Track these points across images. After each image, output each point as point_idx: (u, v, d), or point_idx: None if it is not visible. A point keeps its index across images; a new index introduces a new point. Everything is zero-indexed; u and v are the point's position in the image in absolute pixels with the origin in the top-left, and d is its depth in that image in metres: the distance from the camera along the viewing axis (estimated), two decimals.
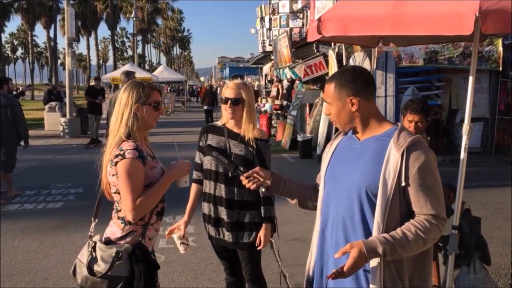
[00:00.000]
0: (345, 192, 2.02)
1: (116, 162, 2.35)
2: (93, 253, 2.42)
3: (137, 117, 2.45)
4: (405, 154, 1.91)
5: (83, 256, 2.46)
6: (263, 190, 2.30)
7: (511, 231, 3.60)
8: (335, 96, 2.06)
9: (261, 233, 3.10)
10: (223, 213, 3.13)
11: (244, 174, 2.26)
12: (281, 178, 2.28)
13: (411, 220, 1.92)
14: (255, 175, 2.25)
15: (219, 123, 3.27)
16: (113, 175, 2.39)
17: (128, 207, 2.33)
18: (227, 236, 3.14)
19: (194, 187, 3.30)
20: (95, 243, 2.44)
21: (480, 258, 3.58)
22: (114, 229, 2.47)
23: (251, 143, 3.10)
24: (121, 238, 2.42)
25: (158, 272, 4.85)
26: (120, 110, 2.46)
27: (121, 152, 2.35)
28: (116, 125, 2.46)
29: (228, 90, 3.13)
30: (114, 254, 2.35)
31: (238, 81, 3.28)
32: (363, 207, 1.97)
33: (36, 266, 5.06)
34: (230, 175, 3.08)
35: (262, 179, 2.25)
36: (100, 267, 2.37)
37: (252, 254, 3.17)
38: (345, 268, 1.83)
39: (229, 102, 3.09)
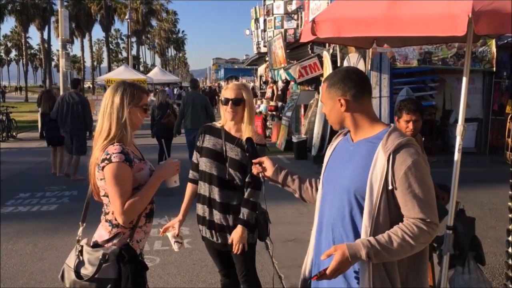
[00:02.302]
0: (337, 194, 2.04)
1: (103, 167, 2.33)
2: (80, 257, 2.40)
3: (130, 119, 2.42)
4: (391, 157, 1.90)
5: (71, 260, 2.44)
6: (261, 178, 2.42)
7: (506, 231, 3.61)
8: (326, 96, 2.10)
9: (233, 235, 3.02)
10: (217, 216, 3.11)
11: (253, 160, 2.39)
12: (282, 170, 2.36)
13: (400, 224, 1.91)
14: (259, 165, 2.36)
15: (218, 124, 3.25)
16: (101, 179, 2.37)
17: (118, 211, 2.32)
18: (221, 239, 3.13)
19: (189, 186, 3.29)
20: (82, 246, 2.42)
21: (475, 258, 3.59)
22: (101, 232, 2.45)
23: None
24: (108, 240, 2.41)
25: (154, 274, 4.86)
26: (112, 111, 2.41)
27: (107, 156, 2.32)
28: (106, 126, 2.41)
29: (228, 91, 3.12)
30: (101, 257, 2.33)
31: (238, 82, 3.28)
32: (353, 210, 1.98)
33: (30, 269, 5.03)
34: (226, 179, 3.09)
35: (266, 169, 2.36)
36: (87, 270, 2.35)
37: (246, 256, 3.16)
38: (327, 271, 1.86)
39: (230, 102, 3.07)
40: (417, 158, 1.91)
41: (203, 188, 3.16)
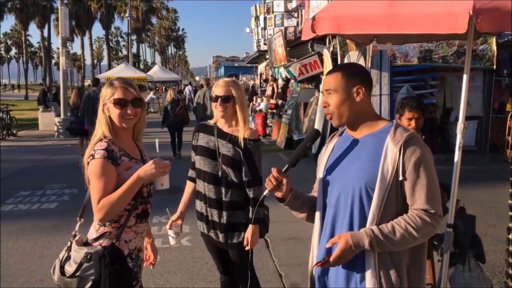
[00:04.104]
0: (343, 190, 2.04)
1: (88, 163, 2.34)
2: (69, 253, 2.41)
3: (106, 115, 2.42)
4: (402, 148, 1.94)
5: (62, 255, 2.45)
6: (265, 194, 2.16)
7: (506, 229, 3.62)
8: (342, 85, 2.07)
9: (248, 234, 3.08)
10: (212, 212, 3.13)
11: (271, 177, 2.08)
12: (298, 197, 2.18)
13: (404, 215, 1.95)
14: (275, 182, 2.09)
15: (211, 122, 3.26)
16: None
17: (94, 208, 2.32)
18: (218, 236, 3.14)
19: (188, 184, 3.32)
20: (71, 243, 2.43)
21: (475, 256, 3.59)
22: (91, 230, 2.45)
23: (240, 143, 3.07)
24: (95, 239, 2.40)
25: (154, 272, 4.86)
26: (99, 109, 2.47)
27: (93, 152, 2.34)
28: (97, 124, 2.46)
29: (218, 88, 3.12)
30: (83, 256, 2.33)
31: (228, 79, 3.29)
32: (363, 202, 1.99)
33: (31, 267, 5.04)
34: (219, 176, 3.09)
35: (278, 189, 2.10)
36: (71, 267, 2.35)
37: (242, 253, 3.15)
38: (331, 258, 1.92)
39: (219, 99, 3.08)
40: (424, 150, 1.97)
41: (201, 186, 3.18)
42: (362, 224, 1.98)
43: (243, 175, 3.08)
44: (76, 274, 2.32)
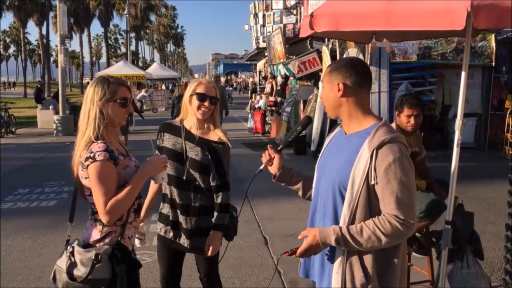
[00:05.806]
0: (325, 184, 2.10)
1: (87, 166, 2.27)
2: (72, 258, 2.34)
3: (103, 114, 2.35)
4: (374, 153, 1.92)
5: (62, 261, 2.38)
6: (261, 169, 2.37)
7: (505, 226, 3.62)
8: (327, 79, 2.11)
9: (209, 241, 2.94)
10: (180, 218, 2.99)
11: (266, 153, 2.33)
12: (289, 172, 2.37)
13: (376, 217, 1.95)
14: (268, 158, 2.34)
15: (177, 121, 3.08)
16: (86, 178, 2.32)
17: (101, 211, 2.28)
18: (183, 241, 3.01)
19: (152, 184, 3.10)
20: (73, 247, 2.37)
21: (473, 253, 3.59)
22: (92, 232, 2.40)
23: (210, 146, 2.93)
24: (99, 240, 2.37)
25: (153, 269, 4.86)
26: (86, 107, 2.37)
27: (91, 155, 2.27)
28: (83, 124, 2.37)
29: (205, 87, 2.93)
30: (93, 257, 2.28)
31: (209, 78, 3.22)
32: (336, 201, 2.03)
33: (29, 264, 5.03)
34: (186, 180, 2.94)
35: (272, 165, 2.34)
36: (80, 271, 2.30)
37: (209, 258, 3.04)
38: (298, 250, 2.04)
39: (208, 100, 2.90)
40: (399, 156, 1.93)
41: (167, 189, 3.03)
42: (334, 221, 2.03)
43: (211, 179, 2.93)
44: (89, 277, 2.28)
